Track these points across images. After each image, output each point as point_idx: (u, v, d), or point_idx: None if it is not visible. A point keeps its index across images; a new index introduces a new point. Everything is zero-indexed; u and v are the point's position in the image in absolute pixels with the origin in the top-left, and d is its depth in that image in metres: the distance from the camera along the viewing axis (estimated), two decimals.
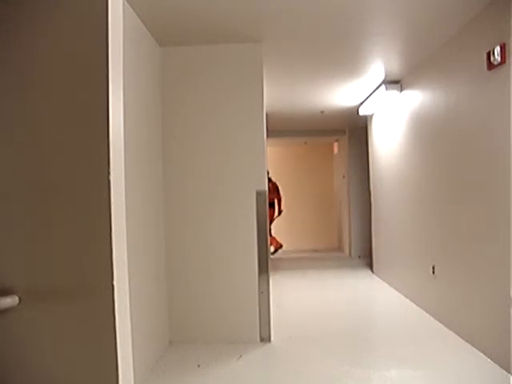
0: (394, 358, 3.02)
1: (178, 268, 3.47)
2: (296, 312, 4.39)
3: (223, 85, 3.49)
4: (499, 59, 2.71)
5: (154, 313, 3.09)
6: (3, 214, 1.21)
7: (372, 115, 6.04)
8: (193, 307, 3.46)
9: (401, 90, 4.70)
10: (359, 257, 7.57)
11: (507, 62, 2.67)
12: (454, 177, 3.47)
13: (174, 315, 3.46)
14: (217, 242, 3.46)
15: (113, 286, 1.17)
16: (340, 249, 8.86)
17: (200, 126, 3.49)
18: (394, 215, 5.13)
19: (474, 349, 3.08)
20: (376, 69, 4.31)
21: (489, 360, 2.88)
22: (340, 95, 5.34)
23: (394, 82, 4.74)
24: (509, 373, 2.65)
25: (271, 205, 8.22)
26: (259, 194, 3.45)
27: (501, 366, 2.74)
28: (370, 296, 5.17)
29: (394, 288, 5.12)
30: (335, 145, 9.00)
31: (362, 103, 5.78)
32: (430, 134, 3.96)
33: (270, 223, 8.34)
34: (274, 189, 8.22)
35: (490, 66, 2.83)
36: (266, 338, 3.44)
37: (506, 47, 2.67)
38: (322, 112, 6.27)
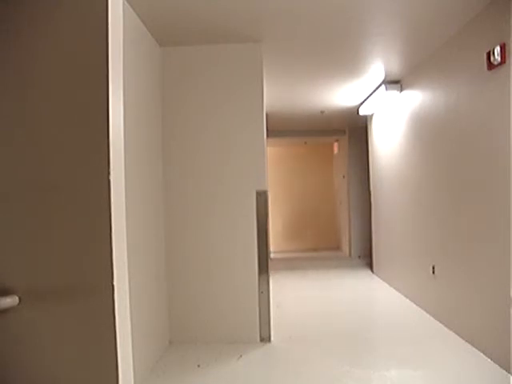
0: (393, 358, 3.02)
1: (178, 268, 3.47)
2: (296, 312, 4.39)
3: (223, 85, 3.49)
4: (499, 59, 2.71)
5: (153, 313, 3.09)
6: (3, 214, 1.21)
7: (372, 115, 6.04)
8: (193, 307, 3.46)
9: (401, 90, 4.70)
10: (359, 257, 7.57)
11: (507, 61, 2.67)
12: (454, 177, 3.47)
13: (174, 315, 3.46)
14: (217, 242, 3.46)
15: (113, 286, 1.17)
16: (340, 249, 8.86)
17: (200, 126, 3.49)
18: (394, 215, 5.13)
19: (474, 349, 3.08)
20: (376, 69, 4.31)
21: (489, 360, 2.88)
22: (340, 95, 5.34)
23: (393, 81, 4.74)
24: (509, 373, 2.65)
25: None
26: (259, 194, 3.45)
27: (501, 366, 2.74)
28: (369, 296, 5.17)
29: (394, 288, 5.12)
30: (335, 145, 9.00)
31: (362, 103, 5.78)
32: (430, 134, 3.96)
33: None
34: None
35: (490, 65, 2.83)
36: (266, 338, 3.44)
37: (506, 47, 2.67)
38: (322, 112, 6.27)
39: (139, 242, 2.79)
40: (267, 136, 3.78)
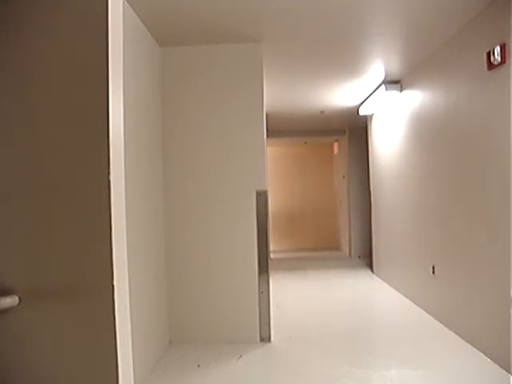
0: (394, 358, 3.02)
1: (178, 268, 3.47)
2: (296, 312, 4.39)
3: (223, 85, 3.49)
4: (499, 59, 2.71)
5: (153, 313, 3.09)
6: (3, 213, 1.21)
7: (372, 115, 6.04)
8: (193, 307, 3.46)
9: (401, 90, 4.70)
10: (359, 257, 7.57)
11: (507, 62, 2.67)
12: (454, 177, 3.47)
13: (174, 315, 3.46)
14: (217, 242, 3.46)
15: (113, 286, 1.17)
16: (340, 249, 8.86)
17: (200, 126, 3.49)
18: (394, 215, 5.13)
19: (474, 349, 3.08)
20: (376, 69, 4.31)
21: (489, 360, 2.88)
22: (340, 95, 5.34)
23: (393, 81, 4.74)
24: (509, 373, 2.65)
25: None
26: (259, 194, 3.45)
27: (501, 366, 2.74)
28: (370, 296, 5.17)
29: (394, 288, 5.12)
30: (335, 145, 9.00)
31: (362, 103, 5.78)
32: (430, 134, 3.96)
33: None
34: None
35: (490, 65, 2.83)
36: (266, 338, 3.44)
37: (506, 47, 2.67)
38: (321, 112, 6.27)
39: (139, 242, 2.79)
40: (267, 136, 3.78)
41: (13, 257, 1.21)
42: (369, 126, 6.28)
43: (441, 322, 3.69)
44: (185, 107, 3.50)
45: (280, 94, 5.17)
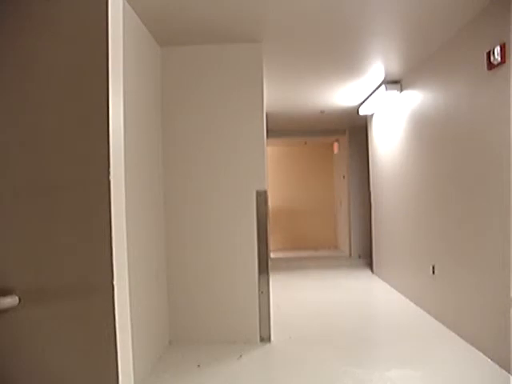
0: (394, 358, 3.02)
1: (178, 268, 3.47)
2: (296, 312, 4.39)
3: (223, 85, 3.49)
4: (499, 59, 2.71)
5: (153, 313, 3.09)
6: (3, 214, 1.21)
7: (372, 115, 6.04)
8: (193, 307, 3.46)
9: (401, 90, 4.70)
10: (359, 257, 7.57)
11: (507, 62, 2.67)
12: (454, 177, 3.47)
13: (174, 315, 3.46)
14: (217, 242, 3.46)
15: (113, 285, 1.17)
16: (340, 249, 8.86)
17: (200, 126, 3.49)
18: (394, 215, 5.13)
19: (473, 349, 3.08)
20: (376, 69, 4.31)
21: (489, 360, 2.88)
22: (340, 95, 5.34)
23: (393, 81, 4.74)
24: (509, 373, 2.65)
25: None
26: (259, 194, 3.45)
27: (501, 366, 2.74)
28: (369, 296, 5.17)
29: (394, 288, 5.12)
30: (335, 145, 8.99)
31: (362, 103, 5.78)
32: (430, 134, 3.96)
33: None
34: None
35: (490, 65, 2.83)
36: (265, 338, 3.44)
37: (506, 47, 2.67)
38: (321, 112, 6.27)
39: (139, 241, 2.79)
40: (267, 136, 3.78)
41: (13, 257, 1.21)
42: (369, 126, 6.28)
43: (441, 322, 3.69)
44: (184, 107, 3.49)
45: (280, 94, 5.17)
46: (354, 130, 7.58)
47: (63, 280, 1.19)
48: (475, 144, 3.10)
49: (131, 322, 1.37)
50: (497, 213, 2.81)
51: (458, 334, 3.35)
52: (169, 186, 3.47)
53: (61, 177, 1.20)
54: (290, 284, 5.81)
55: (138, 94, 2.88)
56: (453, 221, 3.49)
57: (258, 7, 2.88)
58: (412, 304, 4.38)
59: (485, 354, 2.95)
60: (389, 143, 5.26)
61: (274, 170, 9.05)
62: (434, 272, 3.85)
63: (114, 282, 1.17)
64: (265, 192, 3.47)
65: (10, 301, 1.16)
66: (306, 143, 9.21)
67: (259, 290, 3.44)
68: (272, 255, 7.89)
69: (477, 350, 3.04)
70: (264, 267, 3.44)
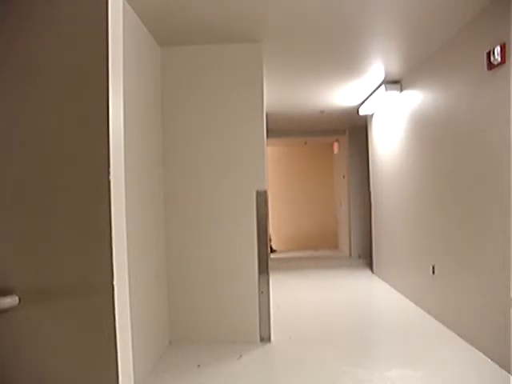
0: (394, 358, 3.02)
1: (178, 268, 3.47)
2: (296, 312, 4.39)
3: (223, 85, 3.49)
4: (499, 59, 2.71)
5: (153, 313, 3.09)
6: (3, 213, 1.21)
7: (372, 115, 6.04)
8: (193, 307, 3.46)
9: (401, 90, 4.70)
10: (359, 257, 7.57)
11: (507, 62, 2.67)
12: (454, 177, 3.47)
13: (174, 315, 3.46)
14: (217, 242, 3.46)
15: (113, 286, 1.17)
16: (340, 249, 8.86)
17: (200, 126, 3.49)
18: (394, 215, 5.13)
19: (473, 349, 3.08)
20: (376, 69, 4.31)
21: (489, 360, 2.88)
22: (340, 95, 5.34)
23: (393, 81, 4.74)
24: (509, 373, 2.65)
25: None
26: (259, 194, 3.45)
27: (501, 366, 2.74)
28: (369, 296, 5.17)
29: (394, 288, 5.11)
30: (335, 145, 8.99)
31: (362, 103, 5.78)
32: (430, 134, 3.96)
33: None
34: None
35: (490, 65, 2.83)
36: (265, 338, 3.44)
37: (506, 47, 2.67)
38: (321, 112, 6.27)
39: (139, 242, 2.79)
40: (267, 136, 3.78)
41: (13, 257, 1.21)
42: (369, 126, 6.28)
43: (441, 322, 3.69)
44: (184, 107, 3.49)
45: (280, 94, 5.17)
46: (354, 129, 7.58)
47: (63, 280, 1.19)
48: (475, 144, 3.10)
49: (131, 322, 1.37)
50: (497, 213, 2.81)
51: (458, 334, 3.35)
52: (169, 185, 3.46)
53: (61, 177, 1.20)
54: (290, 284, 5.81)
55: (137, 93, 2.88)
56: (453, 221, 3.49)
57: (258, 7, 2.88)
58: (412, 304, 4.38)
59: (485, 354, 2.95)
60: (389, 143, 5.26)
61: (274, 170, 9.05)
62: (433, 272, 3.85)
63: (114, 282, 1.17)
64: (265, 192, 3.47)
65: (10, 301, 1.16)
66: (306, 143, 9.21)
67: (259, 290, 3.44)
68: (272, 255, 7.89)
69: (477, 350, 3.04)
70: (264, 267, 3.44)
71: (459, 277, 3.38)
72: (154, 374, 2.87)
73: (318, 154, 9.51)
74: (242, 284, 3.45)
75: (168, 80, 3.48)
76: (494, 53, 2.76)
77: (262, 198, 3.45)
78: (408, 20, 3.13)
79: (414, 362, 2.92)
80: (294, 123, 7.17)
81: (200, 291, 3.46)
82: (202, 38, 3.37)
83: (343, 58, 3.95)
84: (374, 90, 5.11)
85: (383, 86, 4.74)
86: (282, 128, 7.45)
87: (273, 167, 9.01)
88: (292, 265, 7.35)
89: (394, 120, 4.99)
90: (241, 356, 3.15)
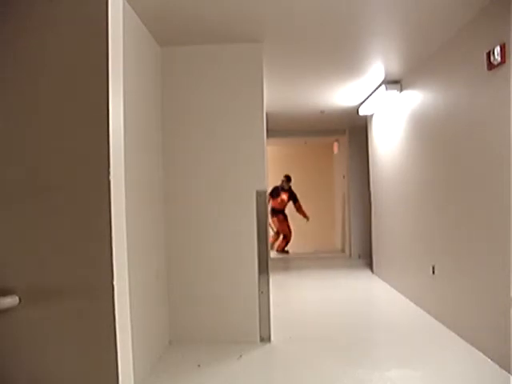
0: (394, 358, 3.02)
1: (178, 268, 3.47)
2: (296, 312, 4.39)
3: (223, 85, 3.49)
4: (499, 59, 2.71)
5: (153, 313, 3.09)
6: (3, 214, 1.21)
7: (372, 115, 6.04)
8: (193, 307, 3.46)
9: (401, 90, 4.70)
10: (359, 257, 7.57)
11: (507, 62, 2.67)
12: (453, 177, 3.47)
13: (174, 315, 3.46)
14: (217, 242, 3.46)
15: (113, 286, 1.17)
16: (340, 249, 8.86)
17: (200, 126, 3.49)
18: (394, 215, 5.13)
19: (473, 349, 3.08)
20: (376, 69, 4.31)
21: (489, 360, 2.88)
22: (340, 95, 5.34)
23: (393, 81, 4.74)
24: (509, 373, 2.65)
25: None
26: (259, 194, 3.45)
27: (501, 366, 2.74)
28: (369, 296, 5.17)
29: (394, 288, 5.11)
30: (335, 145, 9.00)
31: (362, 103, 5.78)
32: (430, 134, 3.96)
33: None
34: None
35: (490, 66, 2.83)
36: (265, 338, 3.44)
37: (506, 47, 2.67)
38: (321, 112, 6.27)
39: (139, 241, 2.79)
40: (267, 136, 3.78)
41: (13, 257, 1.21)
42: (369, 126, 6.28)
43: (441, 322, 3.69)
44: (185, 107, 3.49)
45: (280, 94, 5.17)
46: (354, 130, 7.58)
47: (63, 280, 1.19)
48: (475, 144, 3.10)
49: (131, 322, 1.37)
50: (497, 213, 2.81)
51: (458, 334, 3.35)
52: (169, 185, 3.46)
53: (61, 177, 1.19)
54: (290, 284, 5.81)
55: (137, 94, 2.88)
56: (452, 221, 3.49)
57: (258, 7, 2.87)
58: (412, 304, 4.38)
59: (485, 354, 2.95)
60: (389, 143, 5.26)
61: (274, 170, 9.05)
62: (433, 272, 3.85)
63: (114, 282, 1.17)
64: (265, 192, 3.47)
65: (10, 301, 1.16)
66: (306, 143, 9.22)
67: (259, 289, 3.44)
68: (272, 255, 7.89)
69: (477, 350, 3.04)
70: (264, 267, 3.44)
71: (459, 277, 3.38)
72: (153, 374, 2.87)
73: (317, 153, 9.51)
74: (242, 284, 3.45)
75: (168, 80, 3.48)
76: (493, 53, 2.75)
77: (262, 198, 3.45)
78: (408, 20, 3.13)
79: (414, 362, 2.92)
80: (294, 123, 7.17)
81: (200, 291, 3.46)
82: (202, 38, 3.37)
83: (343, 58, 3.95)
84: (374, 90, 5.11)
85: (383, 85, 4.74)
86: (282, 128, 7.45)
87: (273, 167, 9.01)
88: (292, 265, 7.36)
89: (394, 120, 4.99)
90: (241, 356, 3.15)
